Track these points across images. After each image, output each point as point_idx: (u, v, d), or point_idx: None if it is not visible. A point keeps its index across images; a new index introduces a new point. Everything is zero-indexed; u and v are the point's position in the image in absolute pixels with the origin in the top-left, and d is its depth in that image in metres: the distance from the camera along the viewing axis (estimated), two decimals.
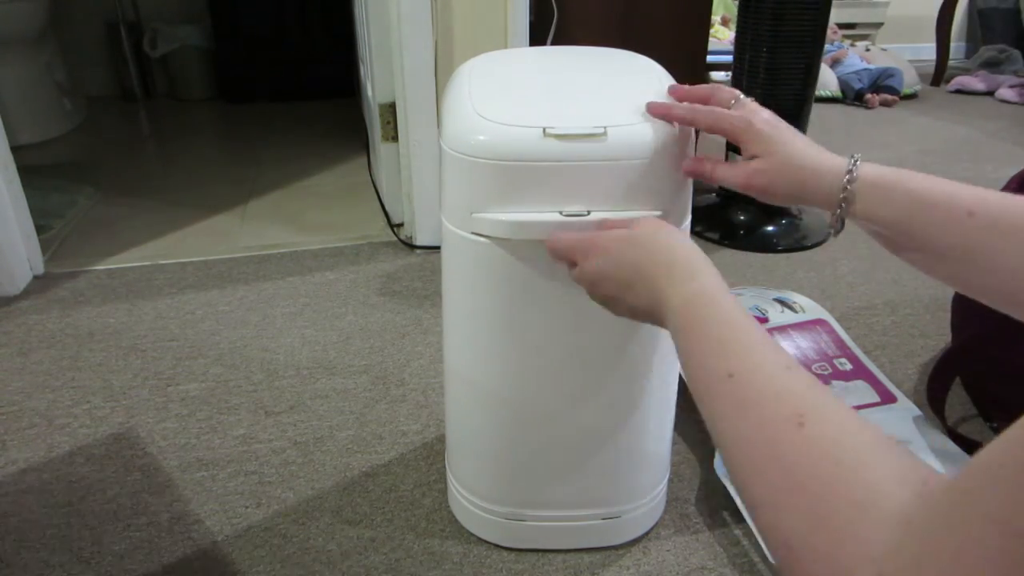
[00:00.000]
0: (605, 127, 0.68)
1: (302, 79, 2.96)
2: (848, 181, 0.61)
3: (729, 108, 0.68)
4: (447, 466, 0.96)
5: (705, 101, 0.70)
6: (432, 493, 0.99)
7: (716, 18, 3.05)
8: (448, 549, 0.91)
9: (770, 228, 1.73)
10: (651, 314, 0.58)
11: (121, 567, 0.89)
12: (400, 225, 1.75)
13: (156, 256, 1.66)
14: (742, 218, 1.75)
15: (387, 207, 1.81)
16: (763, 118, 0.66)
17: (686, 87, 0.72)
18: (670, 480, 0.99)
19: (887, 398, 1.09)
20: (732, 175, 0.67)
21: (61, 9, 2.58)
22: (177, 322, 1.39)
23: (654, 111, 0.70)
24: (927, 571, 0.29)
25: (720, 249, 1.69)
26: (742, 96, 0.68)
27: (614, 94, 0.76)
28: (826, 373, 1.12)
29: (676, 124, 0.70)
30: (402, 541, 0.92)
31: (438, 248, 1.64)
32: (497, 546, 0.91)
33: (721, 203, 1.80)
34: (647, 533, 0.93)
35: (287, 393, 1.19)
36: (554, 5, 1.66)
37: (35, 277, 1.56)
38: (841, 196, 0.61)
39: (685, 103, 0.70)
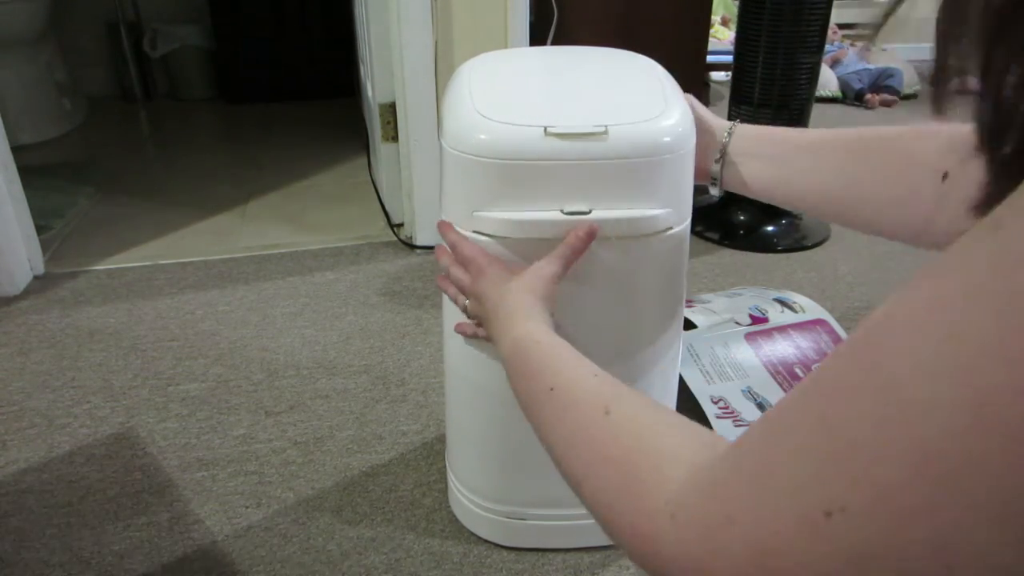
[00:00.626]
0: (606, 126, 0.68)
1: (302, 79, 2.96)
2: (726, 135, 0.72)
3: None
4: (447, 466, 0.96)
5: None
6: (432, 493, 0.99)
7: (716, 18, 3.05)
8: (448, 549, 0.91)
9: (770, 228, 1.73)
10: (495, 344, 0.66)
11: (121, 567, 0.89)
12: (400, 225, 1.75)
13: (156, 256, 1.65)
14: (742, 218, 1.74)
15: (387, 207, 1.81)
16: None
17: None
18: None
19: None
20: None
21: (61, 9, 2.58)
22: (177, 322, 1.39)
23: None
24: (712, 500, 0.33)
25: (720, 249, 1.69)
26: None
27: (615, 93, 0.76)
28: None
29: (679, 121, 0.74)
30: (402, 541, 0.92)
31: None
32: (497, 546, 0.91)
33: (721, 203, 1.80)
34: None
35: (287, 393, 1.19)
36: (554, 5, 1.66)
37: (35, 277, 1.56)
38: (717, 160, 0.72)
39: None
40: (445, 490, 1.00)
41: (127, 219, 1.85)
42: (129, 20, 2.89)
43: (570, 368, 0.54)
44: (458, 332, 0.79)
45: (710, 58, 2.09)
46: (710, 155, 0.73)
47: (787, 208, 0.75)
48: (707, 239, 1.72)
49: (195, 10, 2.93)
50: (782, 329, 1.19)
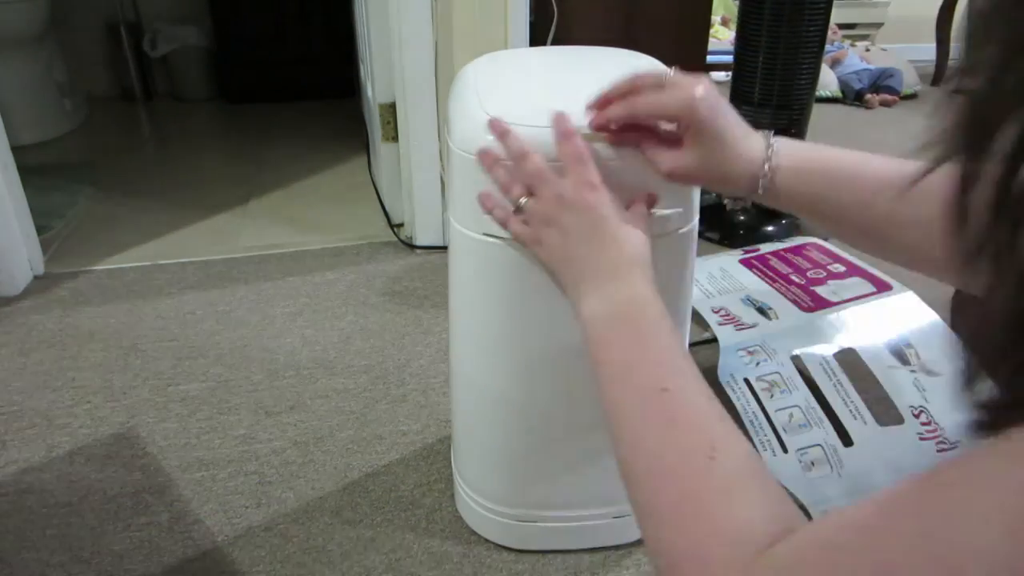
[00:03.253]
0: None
1: (302, 79, 2.96)
2: (767, 170, 0.60)
3: (663, 89, 0.62)
4: (454, 469, 0.96)
5: (635, 91, 0.63)
6: (432, 493, 0.99)
7: (716, 18, 3.05)
8: (448, 549, 0.91)
9: (770, 228, 1.73)
10: (571, 292, 0.58)
11: (121, 567, 0.89)
12: (400, 225, 1.75)
13: (156, 256, 1.65)
14: (742, 218, 1.75)
15: (387, 207, 1.81)
16: (703, 99, 0.60)
17: (608, 92, 0.65)
18: None
19: (882, 287, 1.15)
20: (657, 167, 0.63)
21: (61, 9, 2.58)
22: (177, 322, 1.39)
23: (596, 126, 0.65)
24: None
25: (720, 249, 1.69)
26: (671, 72, 0.63)
27: None
28: (820, 276, 1.16)
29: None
30: (402, 541, 0.92)
31: (438, 248, 1.65)
32: (498, 546, 0.91)
33: (721, 203, 1.80)
34: None
35: (287, 393, 1.19)
36: (554, 5, 1.66)
37: (35, 277, 1.56)
38: (760, 184, 0.60)
39: (620, 103, 0.64)
40: (445, 490, 1.00)
41: (127, 219, 1.85)
42: (129, 20, 2.89)
43: (688, 374, 0.48)
44: (484, 206, 0.67)
45: (710, 58, 2.08)
46: (741, 167, 0.62)
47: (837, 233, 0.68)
48: (707, 239, 1.72)
49: (195, 10, 2.93)
50: (775, 253, 1.24)
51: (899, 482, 0.32)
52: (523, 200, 0.63)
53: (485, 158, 0.66)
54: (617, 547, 0.91)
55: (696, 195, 0.75)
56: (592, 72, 0.83)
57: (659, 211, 0.70)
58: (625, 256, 0.56)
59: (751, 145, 0.61)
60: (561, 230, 0.59)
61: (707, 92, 0.60)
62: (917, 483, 0.31)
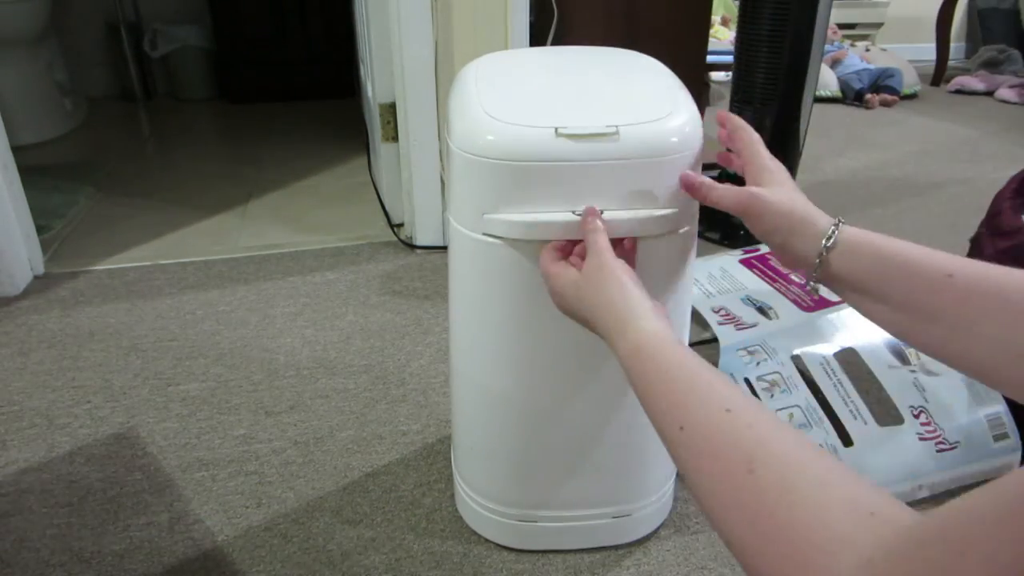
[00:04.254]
0: (617, 126, 0.67)
1: (302, 79, 2.96)
2: (827, 243, 0.60)
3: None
4: (455, 469, 0.96)
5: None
6: (432, 493, 0.99)
7: (716, 18, 3.05)
8: (448, 549, 0.91)
9: None
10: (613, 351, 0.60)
11: (121, 567, 0.89)
12: (400, 225, 1.75)
13: (156, 256, 1.65)
14: None
15: (387, 207, 1.81)
16: (768, 154, 0.68)
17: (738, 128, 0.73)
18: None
19: None
20: (729, 195, 0.67)
21: (61, 9, 2.58)
22: (177, 322, 1.39)
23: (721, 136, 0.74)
24: None
25: (720, 249, 1.69)
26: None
27: (622, 93, 0.76)
28: None
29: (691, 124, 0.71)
30: (402, 541, 0.92)
31: (438, 248, 1.65)
32: (498, 546, 0.91)
33: None
34: (648, 533, 0.93)
35: (287, 393, 1.19)
36: (554, 5, 1.66)
37: (35, 277, 1.56)
38: (818, 257, 0.61)
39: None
40: (445, 490, 1.00)
41: (127, 219, 1.85)
42: (129, 20, 2.89)
43: (698, 400, 0.48)
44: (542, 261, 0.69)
45: (710, 58, 2.09)
46: (799, 250, 0.62)
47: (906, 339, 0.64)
48: (707, 239, 1.72)
49: (195, 10, 2.93)
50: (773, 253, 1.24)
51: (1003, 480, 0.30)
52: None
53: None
54: (617, 547, 0.91)
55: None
56: (593, 72, 0.83)
57: (660, 211, 0.70)
58: (622, 301, 0.60)
59: (818, 218, 0.62)
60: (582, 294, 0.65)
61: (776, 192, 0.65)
62: None
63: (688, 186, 0.70)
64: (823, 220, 0.62)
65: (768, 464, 0.41)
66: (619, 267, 0.62)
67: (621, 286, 0.60)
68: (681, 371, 0.51)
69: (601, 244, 0.64)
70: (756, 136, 0.70)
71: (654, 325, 0.56)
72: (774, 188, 0.65)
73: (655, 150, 0.68)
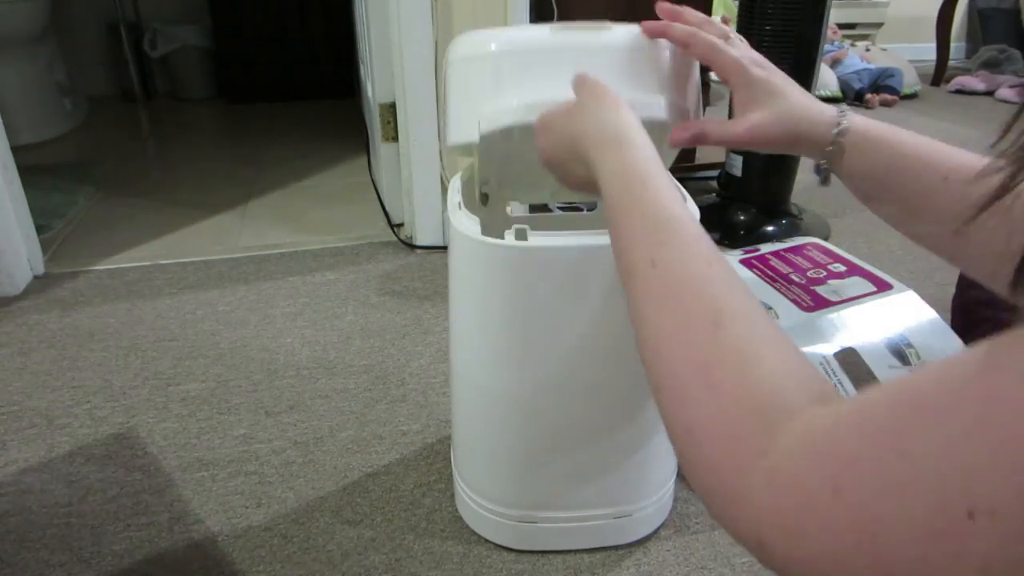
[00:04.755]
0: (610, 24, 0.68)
1: (302, 79, 2.96)
2: (837, 133, 0.60)
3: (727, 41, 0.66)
4: (455, 470, 0.96)
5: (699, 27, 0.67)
6: (432, 493, 0.99)
7: (716, 18, 3.05)
8: (448, 549, 0.91)
9: (770, 228, 1.73)
10: (593, 186, 0.56)
11: (121, 567, 0.89)
12: (400, 225, 1.75)
13: (156, 256, 1.65)
14: (742, 218, 1.74)
15: (387, 207, 1.81)
16: (756, 63, 0.64)
17: (676, 9, 0.68)
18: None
19: (883, 286, 1.14)
20: (731, 132, 0.64)
21: (61, 9, 2.58)
22: (177, 322, 1.39)
23: (650, 29, 0.67)
24: (823, 466, 0.31)
25: (720, 249, 1.69)
26: (733, 35, 0.66)
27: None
28: (820, 276, 1.17)
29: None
30: (402, 541, 0.92)
31: (438, 248, 1.65)
32: (498, 546, 0.91)
33: (721, 203, 1.80)
34: (648, 533, 0.93)
35: (287, 393, 1.19)
36: (554, 5, 1.66)
37: (35, 277, 1.56)
38: (829, 148, 0.61)
39: (684, 27, 0.66)
40: (445, 490, 0.99)
41: (127, 219, 1.85)
42: (129, 20, 2.89)
43: (680, 240, 0.45)
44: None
45: None
46: (814, 128, 0.63)
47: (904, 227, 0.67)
48: None
49: (195, 10, 2.93)
50: (775, 253, 1.24)
51: (954, 359, 0.29)
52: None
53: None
54: (617, 547, 0.91)
55: (696, 84, 0.74)
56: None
57: (648, 98, 0.68)
58: (610, 123, 0.57)
59: (822, 109, 0.62)
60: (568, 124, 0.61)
61: (760, 59, 0.64)
62: (976, 361, 0.28)
63: (679, 141, 0.67)
64: (825, 116, 0.61)
65: (735, 324, 0.40)
66: (620, 98, 0.58)
67: (619, 107, 0.57)
68: (671, 208, 0.47)
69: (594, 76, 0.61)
70: (715, 42, 0.64)
71: (652, 152, 0.53)
72: (769, 107, 0.63)
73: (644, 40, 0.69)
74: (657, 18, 0.68)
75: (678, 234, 0.46)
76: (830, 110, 0.62)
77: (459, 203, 0.79)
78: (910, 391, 0.30)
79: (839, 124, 0.60)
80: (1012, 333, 0.27)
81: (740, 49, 0.65)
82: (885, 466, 0.28)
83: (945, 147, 0.57)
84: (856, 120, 0.61)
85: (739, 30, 1.65)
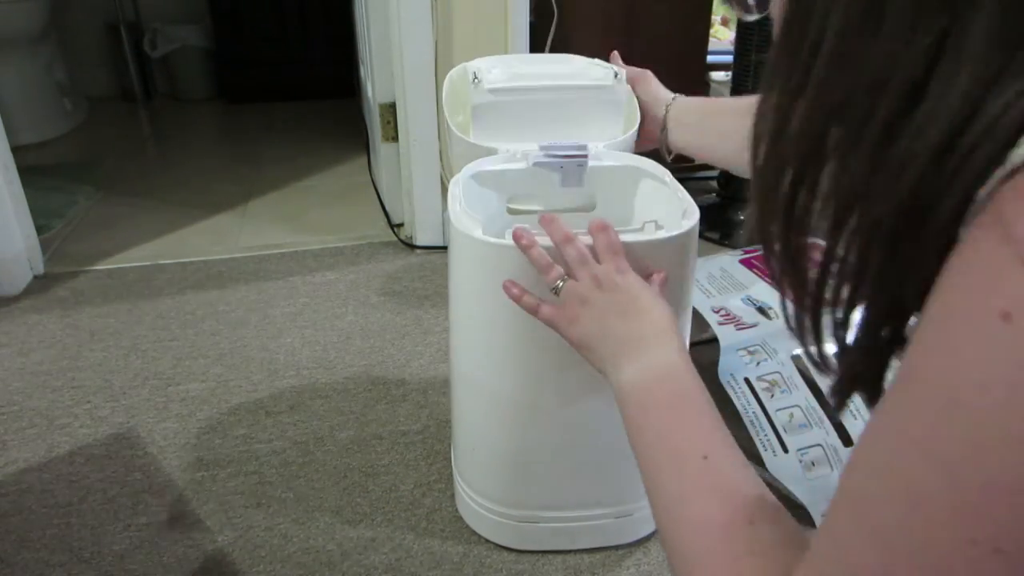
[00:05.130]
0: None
1: (302, 79, 2.96)
2: (665, 119, 0.89)
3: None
4: (455, 470, 0.96)
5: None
6: (432, 493, 0.99)
7: (716, 18, 3.05)
8: (448, 549, 0.91)
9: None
10: (608, 365, 0.61)
11: (121, 567, 0.89)
12: (400, 225, 1.75)
13: (156, 256, 1.65)
14: (742, 218, 1.74)
15: (387, 207, 1.81)
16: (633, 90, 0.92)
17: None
18: None
19: None
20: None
21: (61, 9, 2.58)
22: (177, 322, 1.39)
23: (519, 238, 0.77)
24: None
25: (720, 249, 1.68)
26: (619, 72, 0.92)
27: None
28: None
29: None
30: (402, 541, 0.92)
31: (438, 248, 1.65)
32: (497, 546, 0.91)
33: (721, 203, 1.80)
34: (648, 533, 0.93)
35: (287, 393, 1.19)
36: (554, 5, 1.66)
37: (35, 277, 1.56)
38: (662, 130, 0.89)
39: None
40: (445, 490, 0.99)
41: (127, 219, 1.85)
42: (129, 20, 2.89)
43: (726, 444, 0.51)
44: (511, 293, 0.71)
45: (710, 58, 2.08)
46: (657, 125, 0.91)
47: (715, 164, 0.97)
48: (707, 239, 1.72)
49: (195, 10, 2.93)
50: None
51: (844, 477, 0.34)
52: (560, 283, 0.66)
53: (521, 239, 0.69)
54: (617, 547, 0.91)
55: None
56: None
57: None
58: (659, 326, 0.59)
59: (656, 107, 0.91)
60: (598, 308, 0.63)
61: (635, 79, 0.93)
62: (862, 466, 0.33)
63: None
64: (658, 109, 0.91)
65: (763, 522, 0.45)
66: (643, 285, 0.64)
67: (656, 306, 0.62)
68: (708, 404, 0.54)
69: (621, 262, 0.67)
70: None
71: (684, 353, 0.58)
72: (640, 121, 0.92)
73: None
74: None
75: (727, 438, 0.52)
76: (663, 100, 0.91)
77: (460, 203, 0.79)
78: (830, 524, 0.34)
79: (666, 109, 0.89)
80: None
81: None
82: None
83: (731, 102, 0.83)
84: (676, 108, 0.89)
85: (738, 30, 1.65)
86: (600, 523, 0.89)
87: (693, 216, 0.75)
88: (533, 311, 0.69)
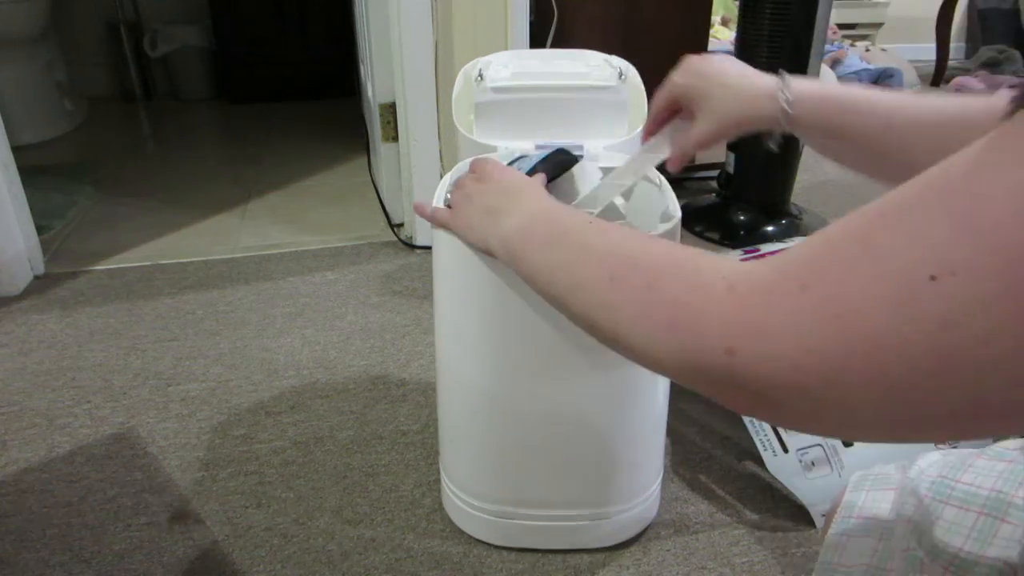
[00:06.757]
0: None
1: (302, 79, 2.96)
2: (785, 103, 0.66)
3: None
4: (440, 464, 0.96)
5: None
6: (432, 493, 0.99)
7: (716, 18, 3.05)
8: (448, 549, 0.91)
9: (770, 228, 1.73)
10: (490, 236, 0.62)
11: (121, 567, 0.89)
12: (400, 225, 1.75)
13: (156, 256, 1.65)
14: (742, 218, 1.74)
15: (387, 207, 1.81)
16: (675, 81, 0.71)
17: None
18: (667, 480, 0.99)
19: None
20: (685, 146, 0.71)
21: (61, 9, 2.58)
22: (177, 322, 1.39)
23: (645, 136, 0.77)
24: (785, 271, 0.32)
25: (720, 249, 1.68)
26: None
27: None
28: None
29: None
30: (402, 541, 0.92)
31: None
32: (497, 546, 0.91)
33: (721, 203, 1.80)
34: (645, 533, 0.93)
35: (287, 393, 1.19)
36: (554, 5, 1.66)
37: (35, 277, 1.56)
38: (780, 116, 0.67)
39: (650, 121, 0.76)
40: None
41: (127, 219, 1.85)
42: (129, 20, 2.89)
43: (620, 238, 0.47)
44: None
45: None
46: (756, 105, 0.68)
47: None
48: (707, 239, 1.72)
49: (195, 10, 2.93)
50: (775, 252, 1.23)
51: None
52: (448, 195, 0.72)
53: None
54: (617, 547, 0.91)
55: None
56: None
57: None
58: (532, 191, 0.61)
59: (758, 83, 0.68)
60: (477, 196, 0.66)
61: (681, 72, 0.71)
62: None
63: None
64: (764, 91, 0.66)
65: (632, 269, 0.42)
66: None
67: (513, 172, 0.65)
68: (592, 226, 0.51)
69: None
70: (652, 108, 0.76)
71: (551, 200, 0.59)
72: (704, 110, 0.69)
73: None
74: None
75: (621, 238, 0.48)
76: (767, 84, 0.67)
77: (445, 201, 0.79)
78: (870, 208, 0.31)
79: (784, 97, 0.66)
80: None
81: (666, 81, 0.73)
82: (851, 260, 0.29)
83: (883, 93, 0.63)
84: (796, 86, 0.66)
85: (738, 30, 1.65)
86: (576, 524, 0.89)
87: (674, 218, 0.76)
88: (432, 219, 0.75)
